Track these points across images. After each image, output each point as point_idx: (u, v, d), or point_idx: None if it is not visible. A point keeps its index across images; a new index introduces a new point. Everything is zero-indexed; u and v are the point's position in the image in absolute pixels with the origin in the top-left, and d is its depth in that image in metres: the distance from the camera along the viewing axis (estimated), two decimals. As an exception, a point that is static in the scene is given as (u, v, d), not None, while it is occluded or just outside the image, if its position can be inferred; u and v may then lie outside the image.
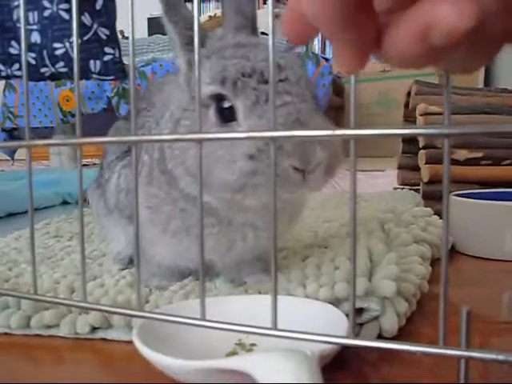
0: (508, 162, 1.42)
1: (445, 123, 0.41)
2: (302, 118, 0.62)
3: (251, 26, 0.78)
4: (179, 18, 0.70)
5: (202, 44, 0.67)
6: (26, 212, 1.72)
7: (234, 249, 0.78)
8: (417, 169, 1.55)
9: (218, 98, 0.66)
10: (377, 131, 0.42)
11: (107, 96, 3.03)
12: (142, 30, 5.37)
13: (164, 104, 0.78)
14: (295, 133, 0.45)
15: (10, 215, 1.76)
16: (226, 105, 0.66)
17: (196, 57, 0.48)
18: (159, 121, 0.78)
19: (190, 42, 0.69)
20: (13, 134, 3.50)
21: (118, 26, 2.33)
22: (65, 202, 2.05)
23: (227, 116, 0.66)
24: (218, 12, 4.39)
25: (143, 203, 0.77)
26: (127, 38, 3.38)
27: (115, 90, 2.99)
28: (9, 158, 3.52)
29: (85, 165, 3.61)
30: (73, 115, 3.21)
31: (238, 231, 0.76)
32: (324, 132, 0.44)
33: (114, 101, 3.00)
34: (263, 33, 0.84)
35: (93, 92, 3.03)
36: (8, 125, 3.39)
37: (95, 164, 3.49)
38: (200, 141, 0.49)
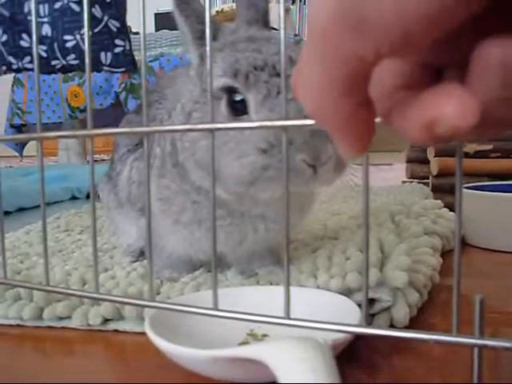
0: (518, 154, 1.42)
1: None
2: None
3: (263, 20, 0.78)
4: (190, 11, 0.70)
5: (214, 37, 0.68)
6: (35, 207, 1.73)
7: (246, 241, 0.78)
8: (426, 162, 1.55)
9: (230, 91, 0.66)
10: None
11: (115, 91, 3.03)
12: (149, 26, 5.38)
13: (175, 97, 0.79)
14: (307, 122, 0.45)
15: (20, 210, 1.76)
16: (238, 98, 0.66)
17: (208, 49, 0.48)
18: (171, 113, 0.78)
19: (202, 36, 0.70)
20: (21, 130, 3.51)
21: (127, 21, 2.33)
22: (74, 197, 2.05)
23: (239, 109, 0.66)
24: (226, 7, 4.39)
25: (155, 195, 0.77)
26: (136, 33, 3.37)
27: (123, 85, 2.98)
28: (18, 154, 3.53)
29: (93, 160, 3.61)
30: (81, 111, 3.21)
31: (250, 223, 0.76)
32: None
33: (122, 96, 2.99)
34: (273, 28, 0.85)
35: (101, 87, 3.02)
36: (16, 121, 3.39)
37: (104, 160, 3.49)
38: (212, 130, 0.49)
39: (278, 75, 0.64)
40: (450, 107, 0.30)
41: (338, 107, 0.33)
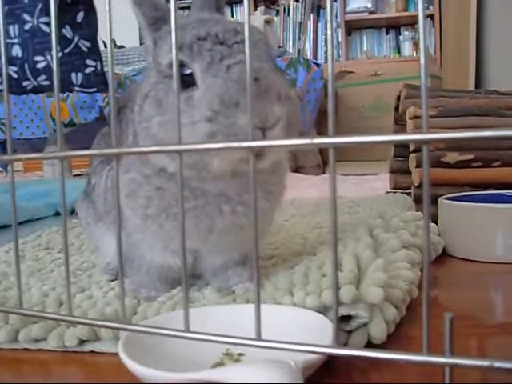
0: (499, 163, 1.42)
1: (423, 130, 0.41)
2: (256, 75, 0.63)
3: (216, 5, 0.82)
4: (144, 0, 0.73)
5: (165, 21, 0.73)
6: (19, 224, 1.70)
7: (214, 228, 0.76)
8: (408, 172, 1.55)
9: (179, 66, 0.68)
10: (354, 139, 0.42)
11: (99, 106, 3.03)
12: (134, 39, 5.38)
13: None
14: (273, 142, 0.45)
15: (3, 227, 1.74)
16: (186, 71, 0.68)
17: (174, 61, 0.48)
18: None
19: (155, 22, 0.74)
20: (5, 145, 3.49)
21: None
22: (57, 213, 2.03)
23: (187, 82, 0.68)
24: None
25: (122, 191, 0.76)
26: (120, 47, 3.38)
27: (107, 99, 2.99)
28: (2, 169, 3.52)
29: (78, 174, 3.61)
30: (65, 125, 3.20)
31: (214, 204, 0.75)
32: (302, 141, 0.43)
33: (106, 110, 3.00)
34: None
35: (85, 102, 3.03)
36: (0, 136, 3.39)
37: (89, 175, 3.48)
38: (180, 152, 0.48)
39: (222, 43, 0.67)
40: None
41: None
